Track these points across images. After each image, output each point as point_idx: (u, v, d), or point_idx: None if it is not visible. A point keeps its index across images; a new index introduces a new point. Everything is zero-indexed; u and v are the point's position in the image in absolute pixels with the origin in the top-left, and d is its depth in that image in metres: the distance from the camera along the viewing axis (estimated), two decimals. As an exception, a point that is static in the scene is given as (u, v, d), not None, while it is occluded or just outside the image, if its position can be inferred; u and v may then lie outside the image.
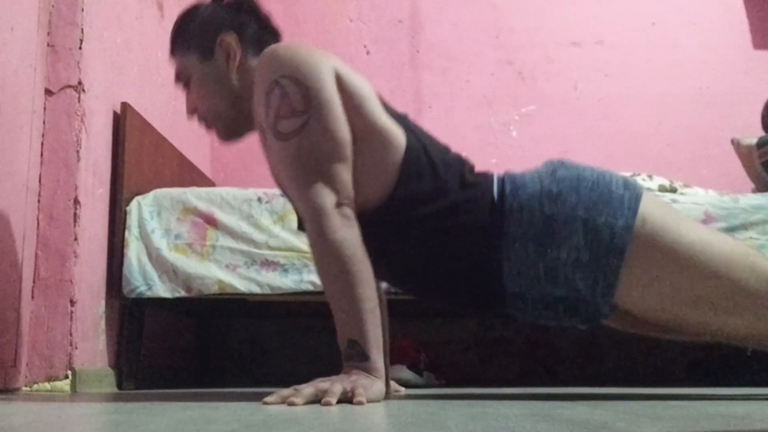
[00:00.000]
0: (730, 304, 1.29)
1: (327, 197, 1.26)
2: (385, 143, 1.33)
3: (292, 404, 1.08)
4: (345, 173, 1.28)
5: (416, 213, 1.32)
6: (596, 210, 1.30)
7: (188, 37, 1.48)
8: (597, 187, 1.33)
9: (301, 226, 1.50)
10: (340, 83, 1.32)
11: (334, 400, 1.08)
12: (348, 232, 1.24)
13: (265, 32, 1.49)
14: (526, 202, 1.32)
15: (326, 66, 1.32)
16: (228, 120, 1.47)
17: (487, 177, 1.39)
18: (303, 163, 1.28)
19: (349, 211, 1.26)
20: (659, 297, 1.31)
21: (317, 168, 1.27)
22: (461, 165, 1.40)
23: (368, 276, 1.23)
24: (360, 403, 1.08)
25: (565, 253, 1.30)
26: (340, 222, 1.24)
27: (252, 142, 3.24)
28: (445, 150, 1.41)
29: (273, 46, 1.36)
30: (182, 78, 1.49)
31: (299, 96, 1.28)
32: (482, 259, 1.33)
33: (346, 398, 1.11)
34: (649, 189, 2.36)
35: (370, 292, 1.23)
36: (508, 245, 1.31)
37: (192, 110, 1.49)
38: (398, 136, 1.34)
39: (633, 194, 1.32)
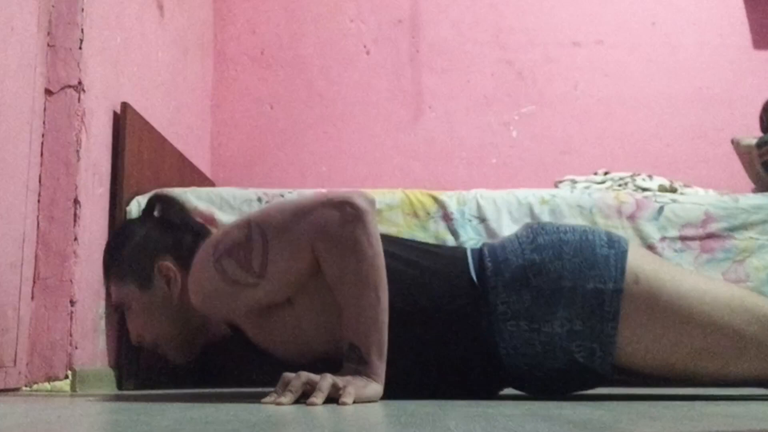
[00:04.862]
0: (734, 352, 1.27)
1: (357, 196, 1.21)
2: None
3: (279, 404, 1.08)
4: None
5: (398, 306, 1.26)
6: (582, 276, 1.26)
7: (123, 265, 1.43)
8: (580, 252, 1.29)
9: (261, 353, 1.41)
10: None
11: (319, 401, 1.07)
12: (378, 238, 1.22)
13: (200, 239, 1.42)
14: (510, 278, 1.28)
15: None
16: (182, 344, 1.43)
17: (457, 255, 1.35)
18: (295, 205, 1.23)
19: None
20: (661, 353, 1.28)
21: (309, 200, 1.24)
22: (421, 247, 1.37)
23: (386, 284, 1.21)
24: (344, 404, 1.07)
25: (558, 326, 1.26)
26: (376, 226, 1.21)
27: (252, 142, 3.24)
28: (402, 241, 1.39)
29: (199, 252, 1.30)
30: (121, 307, 1.45)
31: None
32: (475, 342, 1.29)
33: (336, 396, 1.10)
34: (649, 189, 2.36)
35: (386, 300, 1.20)
36: (500, 326, 1.27)
37: (138, 339, 1.45)
38: None
39: (618, 252, 1.29)
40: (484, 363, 1.32)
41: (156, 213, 1.51)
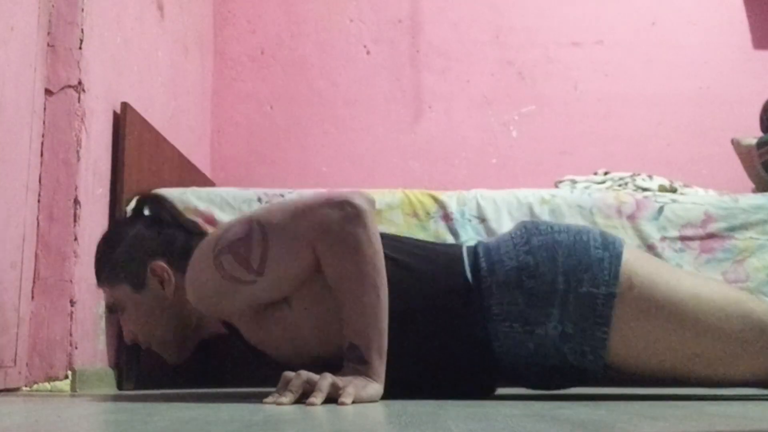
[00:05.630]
0: (727, 357, 1.27)
1: (357, 196, 1.21)
2: None
3: (280, 404, 1.08)
4: None
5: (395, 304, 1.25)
6: (576, 279, 1.26)
7: (116, 267, 1.41)
8: (575, 253, 1.29)
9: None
10: None
11: (318, 401, 1.07)
12: (378, 238, 1.22)
13: (192, 238, 1.41)
14: (504, 279, 1.28)
15: None
16: (177, 343, 1.42)
17: (452, 253, 1.35)
18: (294, 205, 1.23)
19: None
20: (654, 357, 1.28)
21: (309, 201, 1.24)
22: (420, 243, 1.37)
23: (386, 283, 1.21)
24: (343, 404, 1.07)
25: (551, 328, 1.27)
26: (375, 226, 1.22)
27: (252, 142, 3.24)
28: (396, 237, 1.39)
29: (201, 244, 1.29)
30: (116, 308, 1.44)
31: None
32: (470, 341, 1.30)
33: (336, 395, 1.10)
34: (649, 189, 2.36)
35: (386, 299, 1.20)
36: (495, 326, 1.28)
37: (132, 338, 1.44)
38: None
39: (613, 254, 1.28)
40: (479, 362, 1.32)
41: (146, 213, 1.50)
